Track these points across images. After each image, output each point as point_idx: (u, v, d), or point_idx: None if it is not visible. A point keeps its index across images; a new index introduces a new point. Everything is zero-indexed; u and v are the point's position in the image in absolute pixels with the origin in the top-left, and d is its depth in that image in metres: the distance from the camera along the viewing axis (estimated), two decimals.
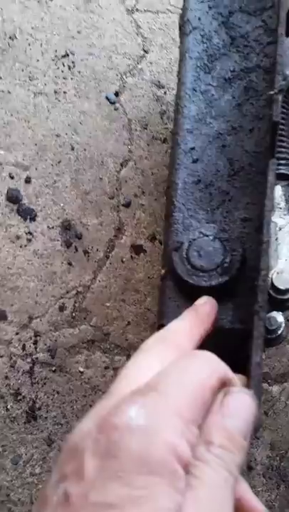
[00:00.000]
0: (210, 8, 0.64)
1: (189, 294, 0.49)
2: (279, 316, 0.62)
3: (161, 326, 0.51)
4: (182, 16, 0.66)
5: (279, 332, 0.61)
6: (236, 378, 0.36)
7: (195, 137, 0.57)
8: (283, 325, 0.61)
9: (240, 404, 0.32)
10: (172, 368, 0.32)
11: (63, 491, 0.27)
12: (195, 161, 0.56)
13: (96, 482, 0.26)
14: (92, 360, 0.79)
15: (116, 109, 0.94)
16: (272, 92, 0.46)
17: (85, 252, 0.84)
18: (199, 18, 0.64)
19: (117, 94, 0.95)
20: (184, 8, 0.66)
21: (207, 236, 0.50)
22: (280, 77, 0.47)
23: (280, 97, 0.45)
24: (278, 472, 0.86)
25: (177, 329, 0.41)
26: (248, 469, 0.85)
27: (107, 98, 0.94)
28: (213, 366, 0.33)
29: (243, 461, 0.31)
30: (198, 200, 0.54)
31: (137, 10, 1.03)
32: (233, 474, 0.29)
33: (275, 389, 0.91)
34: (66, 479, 0.27)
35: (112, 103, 0.95)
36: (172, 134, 0.59)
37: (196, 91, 0.60)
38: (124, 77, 0.97)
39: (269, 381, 0.91)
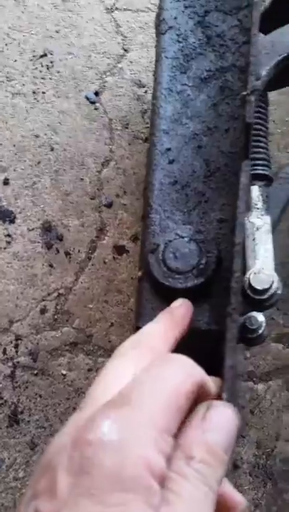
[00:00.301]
0: (186, 7, 0.64)
1: (166, 296, 0.49)
2: (259, 316, 0.62)
3: (138, 328, 0.51)
4: (158, 16, 0.65)
5: (260, 331, 0.61)
6: (212, 382, 0.35)
7: (171, 138, 0.57)
8: (264, 324, 0.61)
9: (223, 419, 0.32)
10: (145, 376, 0.31)
11: (34, 508, 0.26)
12: (171, 162, 0.56)
13: (68, 500, 0.25)
14: (75, 362, 0.79)
15: (96, 108, 0.94)
16: (244, 93, 0.46)
17: (67, 254, 0.83)
18: (175, 18, 0.64)
19: (97, 93, 0.95)
20: (160, 8, 0.65)
21: (183, 238, 0.50)
22: (252, 78, 0.47)
23: (252, 98, 0.44)
24: (264, 470, 0.87)
25: (152, 332, 0.41)
26: (234, 468, 0.85)
27: (86, 98, 0.94)
28: (187, 371, 0.32)
29: (224, 475, 0.30)
30: (174, 202, 0.54)
31: (117, 8, 1.02)
32: (213, 489, 0.29)
33: (261, 387, 0.91)
34: (38, 497, 0.26)
35: (92, 103, 0.94)
36: (149, 135, 0.59)
37: (172, 91, 0.59)
38: (104, 76, 0.96)
39: (254, 379, 0.91)
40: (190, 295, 0.48)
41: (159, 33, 0.63)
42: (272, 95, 1.18)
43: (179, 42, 0.62)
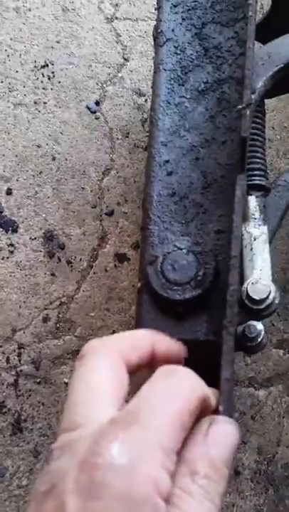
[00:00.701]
0: (183, 19, 0.65)
1: (165, 308, 0.50)
2: (259, 324, 0.62)
3: None
4: (156, 28, 0.66)
5: (259, 339, 0.62)
6: (212, 395, 0.36)
7: (169, 150, 0.57)
8: (263, 332, 0.62)
9: (225, 435, 0.33)
10: (152, 393, 0.32)
11: None
12: (170, 174, 0.56)
13: None
14: None
15: (97, 118, 0.95)
16: (240, 107, 0.46)
17: (68, 262, 0.84)
18: (173, 30, 0.64)
19: (97, 103, 0.96)
20: (158, 20, 0.66)
21: (181, 249, 0.51)
22: (248, 91, 0.48)
23: (248, 112, 0.45)
24: (266, 476, 0.87)
25: (123, 335, 0.40)
26: (235, 474, 0.85)
27: (87, 107, 0.95)
28: (192, 385, 0.33)
29: (225, 489, 0.31)
30: (173, 213, 0.55)
31: (116, 18, 1.03)
32: (215, 503, 0.30)
33: (262, 393, 0.92)
34: None
35: (93, 112, 0.95)
36: (147, 147, 0.60)
37: (170, 103, 0.60)
38: (104, 85, 0.97)
39: (255, 385, 0.92)
40: (188, 306, 0.49)
41: (157, 45, 0.64)
42: (271, 101, 1.19)
43: (177, 54, 0.63)
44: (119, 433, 0.28)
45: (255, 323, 0.62)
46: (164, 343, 0.40)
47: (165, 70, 0.62)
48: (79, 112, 0.94)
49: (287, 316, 1.01)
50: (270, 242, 0.58)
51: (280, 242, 1.05)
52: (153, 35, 0.67)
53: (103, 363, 0.35)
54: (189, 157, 0.56)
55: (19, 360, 0.77)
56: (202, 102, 0.59)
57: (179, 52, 0.63)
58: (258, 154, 0.59)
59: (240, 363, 0.91)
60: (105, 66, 0.98)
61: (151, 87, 0.63)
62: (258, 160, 0.59)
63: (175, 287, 0.49)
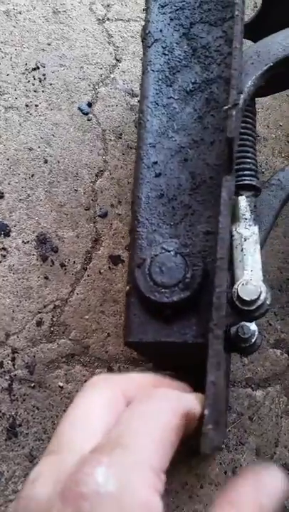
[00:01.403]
0: (171, 19, 0.64)
1: (153, 311, 0.50)
2: (252, 325, 0.62)
3: (126, 343, 0.51)
4: (144, 29, 0.65)
5: (253, 340, 0.61)
6: (198, 404, 0.35)
7: (158, 151, 0.57)
8: (257, 333, 0.62)
9: (277, 485, 0.31)
10: (131, 416, 0.30)
11: None
12: (158, 176, 0.56)
13: None
14: (72, 374, 0.79)
15: (89, 119, 0.94)
16: (226, 107, 0.46)
17: (62, 265, 0.84)
18: (161, 30, 0.64)
19: (90, 104, 0.95)
20: (146, 20, 0.66)
21: (169, 251, 0.50)
22: (234, 92, 0.47)
23: (234, 112, 0.45)
24: None
25: (130, 376, 0.38)
26: (233, 475, 0.85)
27: (79, 109, 0.94)
28: (173, 404, 0.32)
29: None
30: (161, 215, 0.54)
31: (108, 19, 1.03)
32: None
33: (259, 394, 0.91)
34: None
35: (85, 114, 0.95)
36: (136, 149, 0.59)
37: (158, 104, 0.60)
38: (96, 87, 0.97)
39: (252, 386, 0.91)
40: (177, 309, 0.49)
41: (146, 46, 0.64)
42: (266, 99, 1.18)
43: (165, 54, 0.63)
44: (103, 458, 0.27)
45: (248, 324, 0.61)
46: (165, 383, 0.38)
47: (153, 70, 0.62)
48: (71, 114, 0.93)
49: (284, 315, 1.00)
50: (265, 241, 0.58)
51: (277, 242, 1.04)
52: (141, 36, 0.66)
53: (103, 394, 0.33)
54: (178, 158, 0.56)
55: (13, 365, 0.76)
56: (190, 103, 0.59)
57: (166, 52, 0.63)
58: (249, 154, 0.59)
59: (237, 363, 0.91)
60: (97, 67, 0.98)
61: (140, 89, 0.63)
62: (248, 160, 0.58)
63: (163, 290, 0.48)
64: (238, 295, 0.52)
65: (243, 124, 0.60)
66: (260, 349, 0.95)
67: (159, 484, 0.27)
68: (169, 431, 0.30)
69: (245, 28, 0.76)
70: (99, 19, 1.03)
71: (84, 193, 0.89)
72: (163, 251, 0.50)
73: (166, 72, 0.61)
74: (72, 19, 1.00)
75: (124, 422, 0.30)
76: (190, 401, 0.34)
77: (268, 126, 1.14)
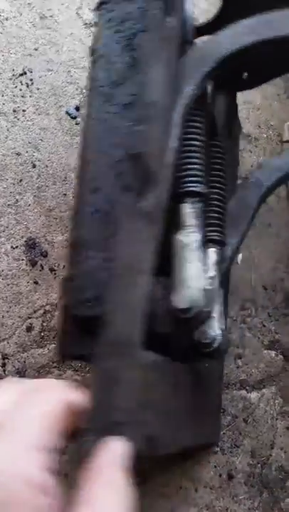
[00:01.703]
0: (116, 32, 0.63)
1: (80, 325, 0.52)
2: (214, 330, 0.61)
3: (60, 360, 0.55)
4: (92, 45, 0.65)
5: (215, 345, 0.60)
6: (82, 398, 0.37)
7: (96, 167, 0.57)
8: (219, 337, 0.60)
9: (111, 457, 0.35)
10: (13, 408, 0.32)
11: None
12: (94, 191, 0.57)
13: None
14: (63, 379, 0.78)
15: (77, 123, 0.94)
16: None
17: (52, 270, 0.83)
18: (106, 45, 0.63)
19: (77, 108, 0.95)
20: (94, 36, 0.65)
21: (97, 265, 0.52)
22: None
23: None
24: (260, 479, 0.86)
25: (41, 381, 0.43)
26: (228, 478, 0.84)
27: (67, 113, 0.94)
28: (52, 394, 0.35)
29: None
30: (95, 230, 0.56)
31: (96, 23, 1.03)
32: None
33: (254, 395, 0.91)
34: None
35: (73, 118, 0.94)
36: (77, 166, 0.60)
37: (99, 120, 0.59)
38: (84, 90, 0.96)
39: (247, 388, 0.91)
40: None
41: (92, 62, 0.63)
42: (257, 100, 1.18)
43: (108, 70, 0.61)
44: None
45: (208, 328, 0.60)
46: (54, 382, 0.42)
47: (96, 87, 0.61)
48: (59, 118, 0.93)
49: (278, 316, 0.99)
50: (243, 239, 0.57)
51: (270, 242, 1.04)
52: (90, 52, 0.66)
53: None
54: (113, 172, 0.56)
55: (4, 371, 0.76)
56: (127, 116, 0.58)
57: (109, 67, 0.62)
58: (193, 160, 0.58)
59: (231, 365, 0.90)
60: (85, 71, 0.97)
61: (84, 106, 0.63)
62: (192, 166, 0.58)
63: (88, 304, 0.51)
64: (175, 303, 0.52)
65: (188, 130, 0.59)
66: (254, 350, 0.94)
67: (46, 462, 0.29)
68: (52, 417, 0.32)
69: (207, 26, 0.76)
70: (86, 23, 1.03)
71: (73, 197, 0.88)
72: (93, 265, 0.52)
73: (108, 87, 0.61)
74: (59, 24, 1.01)
75: (4, 411, 0.32)
76: (74, 395, 0.36)
77: (259, 126, 1.14)
